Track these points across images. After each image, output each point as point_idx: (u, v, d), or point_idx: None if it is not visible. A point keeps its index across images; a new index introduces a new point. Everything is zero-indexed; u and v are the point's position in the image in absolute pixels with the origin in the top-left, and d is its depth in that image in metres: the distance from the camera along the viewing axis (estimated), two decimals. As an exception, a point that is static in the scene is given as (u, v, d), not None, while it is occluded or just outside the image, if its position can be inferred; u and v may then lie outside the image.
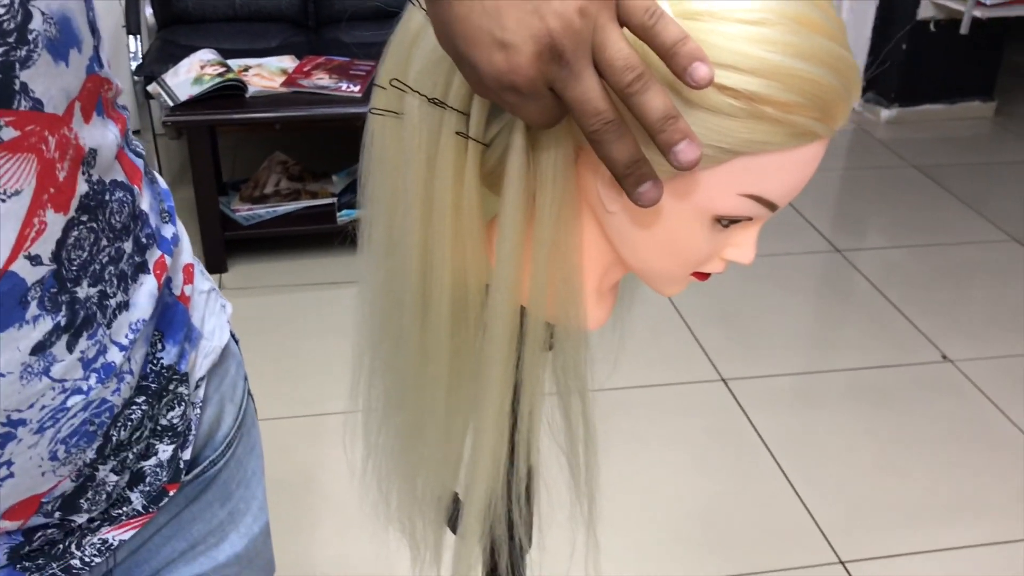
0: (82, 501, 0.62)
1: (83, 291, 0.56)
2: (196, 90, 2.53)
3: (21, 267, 0.53)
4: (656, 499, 2.01)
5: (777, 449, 2.15)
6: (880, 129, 3.97)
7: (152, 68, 2.81)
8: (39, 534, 0.62)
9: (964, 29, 3.63)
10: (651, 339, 2.54)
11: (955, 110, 4.04)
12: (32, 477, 0.58)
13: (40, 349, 0.54)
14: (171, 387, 0.66)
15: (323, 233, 2.79)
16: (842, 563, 1.86)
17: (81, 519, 0.63)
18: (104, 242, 0.57)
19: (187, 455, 0.69)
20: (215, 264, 2.73)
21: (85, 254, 0.56)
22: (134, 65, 2.95)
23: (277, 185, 2.91)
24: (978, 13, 3.60)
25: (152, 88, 2.65)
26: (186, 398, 0.67)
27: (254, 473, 0.78)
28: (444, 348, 0.64)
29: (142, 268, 0.62)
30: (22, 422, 0.56)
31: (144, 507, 0.67)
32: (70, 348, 0.56)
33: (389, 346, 0.69)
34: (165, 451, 0.67)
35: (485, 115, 0.58)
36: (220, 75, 2.57)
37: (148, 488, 0.67)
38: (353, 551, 1.85)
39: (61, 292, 0.55)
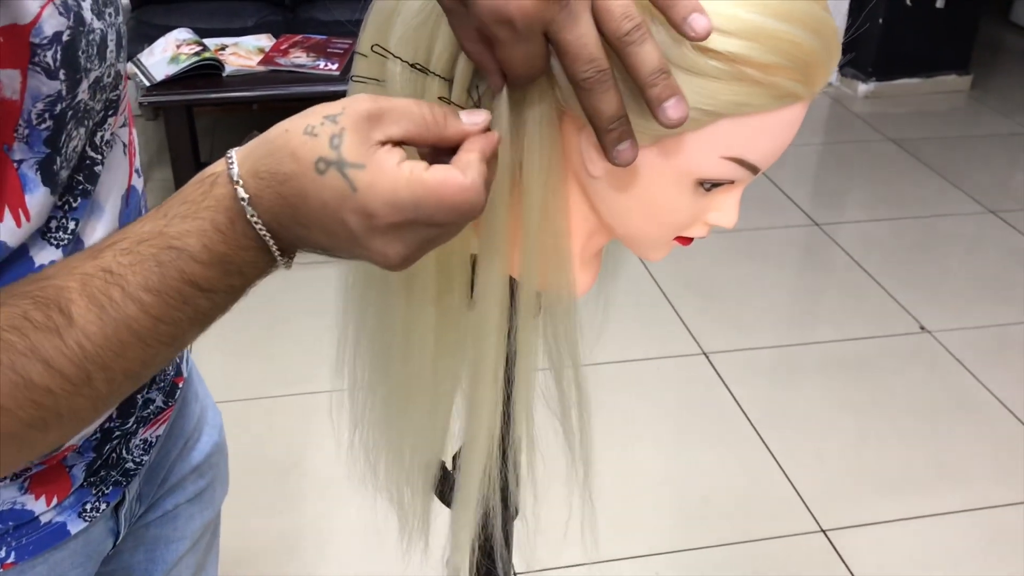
0: (138, 396, 0.70)
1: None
2: (172, 69, 2.51)
3: (136, 181, 0.64)
4: (639, 472, 2.02)
5: (758, 421, 2.17)
6: (857, 103, 3.99)
7: (128, 48, 2.78)
8: (107, 447, 0.68)
9: (940, 3, 3.65)
10: (632, 314, 2.56)
11: (932, 84, 4.07)
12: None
13: None
14: None
15: (303, 213, 2.78)
16: (823, 531, 1.89)
17: (129, 423, 0.70)
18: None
19: None
20: (195, 245, 2.72)
21: (139, 156, 0.68)
22: (108, 45, 2.92)
23: (256, 165, 2.89)
24: (954, -14, 3.62)
25: (128, 68, 2.62)
26: None
27: (199, 376, 0.87)
28: (429, 317, 0.65)
29: None
30: None
31: (164, 402, 0.74)
32: None
33: (374, 316, 0.70)
34: None
35: (468, 80, 0.58)
36: (197, 54, 2.55)
37: (163, 384, 0.74)
38: (340, 527, 1.85)
39: (144, 198, 0.66)
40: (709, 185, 0.59)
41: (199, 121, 3.40)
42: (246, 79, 2.59)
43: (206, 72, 2.56)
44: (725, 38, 0.52)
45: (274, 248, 0.50)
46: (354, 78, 0.64)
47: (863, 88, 4.02)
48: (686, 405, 2.23)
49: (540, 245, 0.60)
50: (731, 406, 2.22)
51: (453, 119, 0.51)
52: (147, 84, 2.51)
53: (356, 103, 0.49)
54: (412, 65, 0.58)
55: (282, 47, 2.73)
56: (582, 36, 0.48)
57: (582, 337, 0.68)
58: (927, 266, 2.84)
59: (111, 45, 0.58)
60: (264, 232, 0.49)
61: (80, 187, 0.59)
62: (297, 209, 0.48)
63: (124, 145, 0.63)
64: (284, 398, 2.19)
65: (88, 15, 0.55)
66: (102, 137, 0.60)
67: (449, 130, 0.51)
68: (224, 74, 2.58)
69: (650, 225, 0.62)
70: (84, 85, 0.55)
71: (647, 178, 0.59)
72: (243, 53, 2.68)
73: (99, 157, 0.60)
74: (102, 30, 0.57)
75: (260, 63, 2.64)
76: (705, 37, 0.48)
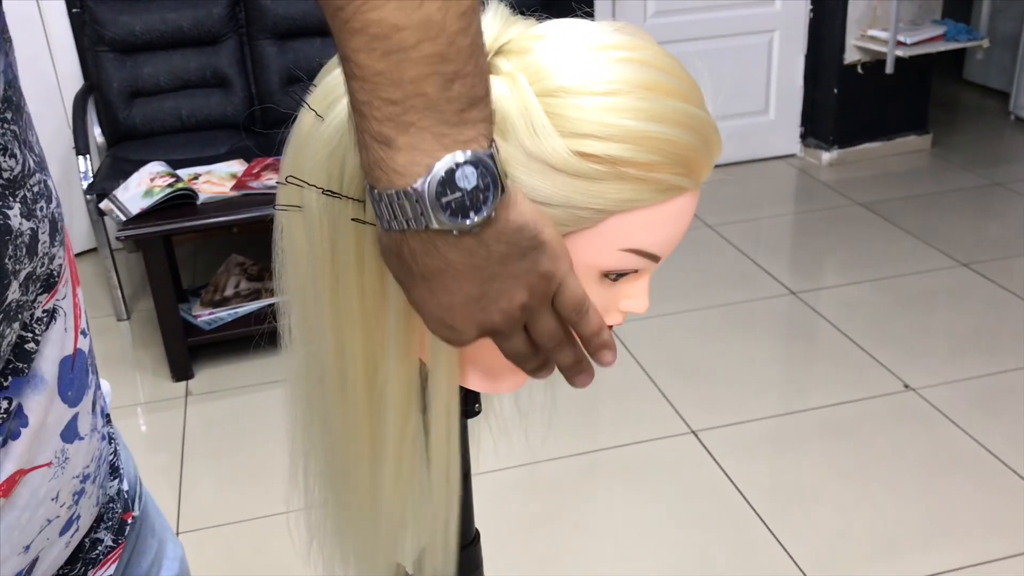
0: (85, 539, 0.69)
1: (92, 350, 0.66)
2: (147, 203, 2.57)
3: (82, 343, 0.63)
4: (636, 558, 2.01)
5: (752, 495, 2.17)
6: (823, 172, 4.08)
7: (103, 185, 2.86)
8: None
9: (889, 69, 3.77)
10: (618, 399, 2.57)
11: (893, 146, 4.16)
12: (87, 524, 0.67)
13: (94, 407, 0.64)
14: (106, 429, 0.74)
15: (286, 329, 2.80)
16: (826, 602, 1.87)
17: (76, 567, 0.68)
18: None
19: (125, 486, 0.77)
20: (181, 372, 2.74)
21: (84, 316, 0.65)
22: (85, 184, 3.00)
23: (237, 287, 2.94)
24: (900, 52, 3.74)
25: (104, 205, 2.69)
26: (114, 436, 0.76)
27: (156, 509, 0.85)
28: (365, 422, 0.67)
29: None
30: (88, 476, 0.64)
31: (114, 540, 0.74)
32: (96, 402, 0.65)
33: (317, 428, 0.72)
34: (112, 486, 0.74)
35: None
36: (170, 185, 2.62)
37: (111, 522, 0.73)
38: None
39: (91, 356, 0.64)
40: (615, 276, 0.62)
41: (180, 249, 3.46)
42: (220, 205, 2.66)
43: (181, 202, 2.62)
44: (603, 143, 0.56)
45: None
46: (277, 207, 0.68)
47: (827, 156, 4.12)
48: (678, 485, 2.23)
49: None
50: (723, 482, 2.22)
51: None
52: (123, 219, 2.57)
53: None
54: (325, 192, 0.62)
55: (254, 171, 2.80)
56: (545, 325, 0.57)
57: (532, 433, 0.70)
58: (907, 324, 2.86)
59: (43, 237, 0.58)
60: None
61: (11, 367, 0.58)
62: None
63: (66, 313, 0.61)
64: (271, 518, 2.18)
65: (16, 221, 0.54)
66: (32, 315, 0.59)
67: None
68: (198, 202, 2.65)
69: (566, 318, 0.65)
70: (14, 286, 0.55)
71: (556, 275, 0.62)
72: (216, 180, 2.75)
73: (31, 335, 0.59)
74: (32, 228, 0.56)
75: (233, 188, 2.71)
76: (610, 364, 0.60)
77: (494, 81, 0.58)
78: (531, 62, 0.58)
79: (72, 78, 3.40)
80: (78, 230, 3.53)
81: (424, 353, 0.65)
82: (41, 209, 0.58)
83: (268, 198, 2.66)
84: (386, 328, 0.64)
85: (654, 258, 0.62)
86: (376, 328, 0.64)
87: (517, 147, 0.56)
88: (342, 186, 0.62)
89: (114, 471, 0.75)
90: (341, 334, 0.65)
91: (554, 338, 0.57)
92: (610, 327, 0.68)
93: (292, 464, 0.76)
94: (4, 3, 0.57)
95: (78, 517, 0.64)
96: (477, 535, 0.83)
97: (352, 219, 0.61)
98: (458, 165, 0.49)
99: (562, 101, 0.56)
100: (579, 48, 0.58)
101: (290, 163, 0.66)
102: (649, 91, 0.57)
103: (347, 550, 0.75)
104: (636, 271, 0.63)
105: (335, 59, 0.63)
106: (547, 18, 0.63)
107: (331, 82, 0.62)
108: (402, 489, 0.67)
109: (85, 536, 0.69)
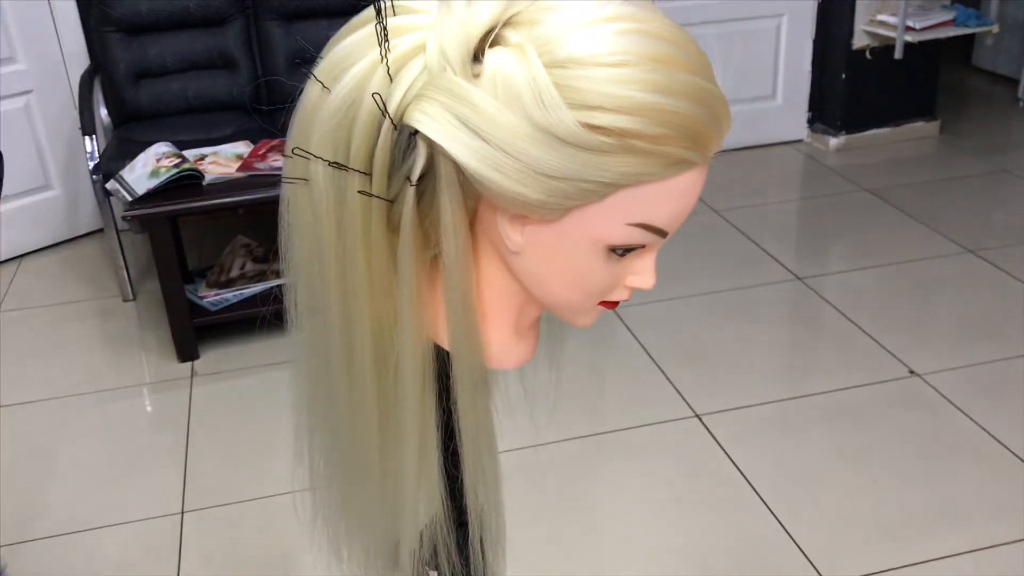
0: None
1: None
2: (153, 183, 2.57)
3: None
4: (639, 540, 2.02)
5: (755, 479, 2.17)
6: (830, 157, 4.06)
7: (109, 166, 2.85)
8: None
9: (898, 54, 3.75)
10: (623, 382, 2.57)
11: (900, 132, 4.14)
12: None
13: None
14: None
15: (291, 311, 2.80)
16: (828, 585, 1.87)
17: None
18: None
19: None
20: (187, 352, 2.75)
21: None
22: (91, 165, 3.00)
23: (242, 268, 2.94)
24: (909, 38, 3.71)
25: (110, 185, 2.69)
26: None
27: None
28: (371, 397, 0.67)
29: None
30: None
31: None
32: None
33: (323, 404, 0.72)
34: None
35: (386, 173, 0.61)
36: (176, 166, 2.62)
37: None
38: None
39: None
40: (621, 251, 0.62)
41: (186, 230, 3.46)
42: (226, 186, 2.65)
43: (187, 183, 2.62)
44: (611, 115, 0.55)
45: None
46: (284, 180, 0.68)
47: (834, 142, 4.10)
48: (682, 468, 2.23)
49: (455, 318, 0.63)
50: (727, 465, 2.22)
51: None
52: (129, 199, 2.57)
53: None
54: (331, 163, 0.62)
55: (260, 152, 2.80)
56: None
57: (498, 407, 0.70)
58: (912, 310, 2.86)
59: None
60: None
61: None
62: None
63: None
64: (276, 497, 2.19)
65: None
66: None
67: None
68: (204, 183, 2.65)
69: (571, 293, 0.65)
70: None
71: (561, 249, 0.62)
72: (222, 161, 2.75)
73: None
74: None
75: (239, 169, 2.70)
76: None
77: (502, 52, 0.57)
78: (540, 33, 0.57)
79: (78, 58, 3.39)
80: (84, 211, 3.53)
81: (435, 334, 0.65)
82: None
83: (274, 179, 2.66)
84: (396, 304, 0.64)
85: (661, 233, 0.62)
86: (384, 304, 0.64)
87: (524, 119, 0.56)
88: (348, 158, 0.62)
89: None
90: (348, 310, 0.65)
91: None
92: (616, 303, 0.68)
93: (297, 441, 0.76)
94: None
95: None
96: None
97: (358, 191, 0.61)
98: None
99: (570, 72, 0.55)
100: (588, 19, 0.57)
101: (297, 135, 0.65)
102: (658, 63, 0.56)
103: (352, 527, 0.75)
104: (643, 246, 0.63)
105: (342, 30, 0.63)
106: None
107: (338, 53, 0.62)
108: (425, 469, 0.67)
109: None
